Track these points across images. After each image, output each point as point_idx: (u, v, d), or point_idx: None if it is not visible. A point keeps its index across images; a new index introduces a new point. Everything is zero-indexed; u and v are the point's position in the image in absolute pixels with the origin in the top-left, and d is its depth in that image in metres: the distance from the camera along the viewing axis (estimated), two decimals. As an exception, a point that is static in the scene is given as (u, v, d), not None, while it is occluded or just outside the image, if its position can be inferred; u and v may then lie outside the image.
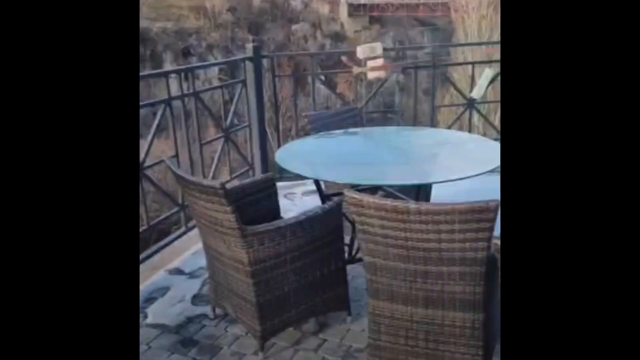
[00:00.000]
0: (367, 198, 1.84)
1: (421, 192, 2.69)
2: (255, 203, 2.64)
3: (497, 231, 1.68)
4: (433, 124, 4.66)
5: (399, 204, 1.77)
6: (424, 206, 1.73)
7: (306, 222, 2.27)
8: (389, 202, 1.79)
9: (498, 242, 1.50)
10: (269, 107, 5.42)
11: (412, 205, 1.75)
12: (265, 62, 4.50)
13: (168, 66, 18.05)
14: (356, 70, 4.51)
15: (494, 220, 1.66)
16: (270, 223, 2.23)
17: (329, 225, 2.38)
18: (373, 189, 2.76)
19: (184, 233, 3.58)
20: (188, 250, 3.46)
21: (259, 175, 4.31)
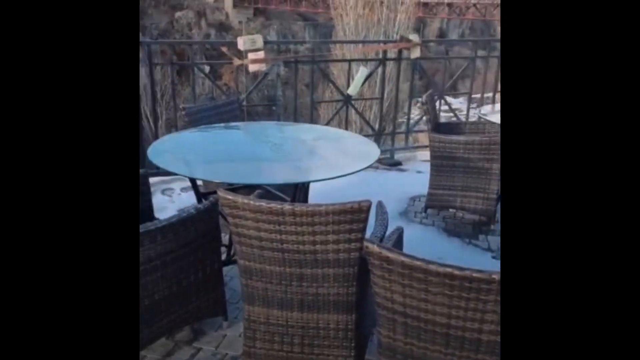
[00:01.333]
0: (241, 199, 1.76)
1: (299, 189, 2.66)
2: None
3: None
4: (312, 118, 4.69)
5: (273, 205, 1.70)
6: (298, 207, 1.68)
7: (179, 224, 2.12)
8: (264, 204, 1.72)
9: (367, 243, 1.50)
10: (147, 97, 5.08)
11: (287, 206, 1.69)
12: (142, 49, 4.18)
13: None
14: (237, 61, 4.39)
15: (365, 220, 1.66)
16: (141, 225, 2.05)
17: (204, 226, 2.25)
18: (251, 187, 2.67)
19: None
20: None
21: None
